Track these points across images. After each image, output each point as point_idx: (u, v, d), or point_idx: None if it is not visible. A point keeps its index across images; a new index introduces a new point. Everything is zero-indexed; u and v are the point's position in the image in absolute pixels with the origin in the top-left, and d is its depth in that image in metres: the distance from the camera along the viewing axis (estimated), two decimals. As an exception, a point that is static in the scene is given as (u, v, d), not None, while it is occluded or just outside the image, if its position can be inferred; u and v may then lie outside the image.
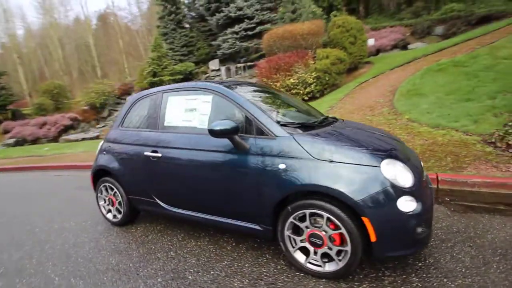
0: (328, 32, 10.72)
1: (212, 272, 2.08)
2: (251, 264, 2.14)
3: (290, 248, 1.97)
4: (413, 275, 1.83)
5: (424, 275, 1.81)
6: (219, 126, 1.96)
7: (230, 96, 2.22)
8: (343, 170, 1.74)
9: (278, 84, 9.21)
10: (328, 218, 1.77)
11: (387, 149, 1.89)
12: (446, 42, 10.04)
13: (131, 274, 2.15)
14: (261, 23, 16.45)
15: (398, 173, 1.73)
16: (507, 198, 2.79)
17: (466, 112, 5.05)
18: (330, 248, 1.82)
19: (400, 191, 1.68)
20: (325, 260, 1.87)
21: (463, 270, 1.82)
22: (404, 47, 12.89)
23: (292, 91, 9.06)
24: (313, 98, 9.10)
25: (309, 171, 1.80)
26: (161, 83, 15.38)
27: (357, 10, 18.90)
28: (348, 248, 1.74)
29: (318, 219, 1.85)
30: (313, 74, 8.81)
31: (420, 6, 15.05)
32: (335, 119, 2.53)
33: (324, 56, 9.12)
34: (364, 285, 1.78)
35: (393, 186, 1.68)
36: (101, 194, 3.12)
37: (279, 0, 16.66)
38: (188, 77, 17.08)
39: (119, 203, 2.97)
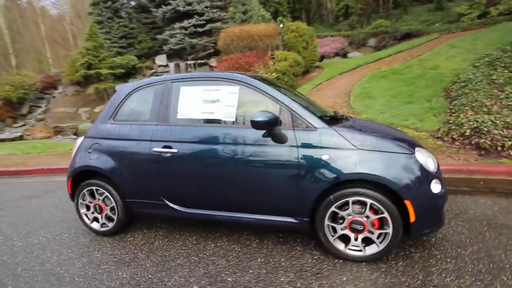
0: (282, 35, 11.19)
1: (250, 271, 1.98)
2: (287, 257, 2.12)
3: (330, 237, 2.03)
4: (433, 249, 2.10)
5: (442, 248, 2.09)
6: (262, 117, 1.89)
7: (261, 88, 2.16)
8: (384, 159, 1.88)
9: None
10: (371, 204, 1.89)
11: (410, 139, 2.12)
12: (382, 53, 11.58)
13: (157, 286, 1.89)
14: (211, 20, 16.13)
15: (427, 159, 1.96)
16: (466, 181, 3.40)
17: (412, 113, 5.95)
18: (371, 232, 1.95)
19: (431, 175, 1.91)
20: (364, 244, 1.98)
21: (468, 240, 2.17)
22: (344, 55, 14.34)
23: (252, 90, 9.16)
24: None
25: (354, 160, 1.89)
26: (98, 76, 13.68)
27: (300, 18, 20.20)
28: (390, 230, 1.89)
29: (357, 206, 1.95)
30: (273, 74, 9.07)
31: (355, 20, 16.97)
32: (346, 116, 2.69)
33: (282, 58, 9.50)
34: (400, 263, 1.96)
35: (426, 171, 1.90)
36: (84, 200, 2.63)
37: (229, 0, 16.63)
38: (131, 72, 15.61)
39: (111, 209, 2.56)
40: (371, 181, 1.87)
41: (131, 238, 2.57)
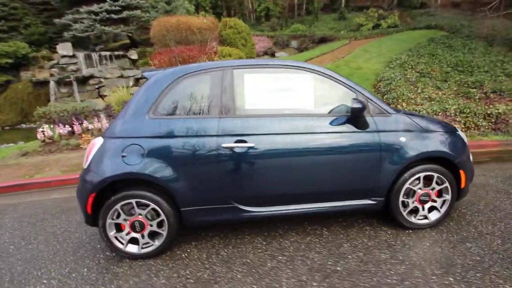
0: (220, 30, 11.01)
1: (349, 256, 2.02)
2: (368, 238, 2.24)
3: (403, 212, 2.26)
4: (463, 208, 2.63)
5: (462, 211, 2.65)
6: (360, 104, 1.95)
7: (335, 76, 2.18)
8: (444, 138, 2.24)
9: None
10: (438, 177, 2.22)
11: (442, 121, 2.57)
12: (309, 53, 12.89)
13: (275, 293, 1.70)
14: (128, 7, 14.29)
15: (463, 135, 2.43)
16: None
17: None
18: (434, 201, 2.29)
19: (468, 149, 2.40)
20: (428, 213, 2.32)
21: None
22: (273, 54, 15.28)
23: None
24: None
25: (425, 141, 2.17)
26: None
27: (222, 15, 20.22)
28: (449, 196, 2.28)
29: (426, 180, 2.24)
30: (221, 70, 8.86)
31: (275, 22, 18.21)
32: None
33: (227, 54, 9.38)
34: (451, 223, 2.38)
35: (467, 145, 2.37)
36: (116, 218, 2.04)
37: (148, -13, 15.11)
38: (22, 62, 12.22)
39: (159, 224, 2.08)
40: (436, 157, 2.20)
41: (186, 254, 2.16)
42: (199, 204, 2.08)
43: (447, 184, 2.25)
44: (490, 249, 2.01)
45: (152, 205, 2.03)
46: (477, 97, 6.38)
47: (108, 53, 13.89)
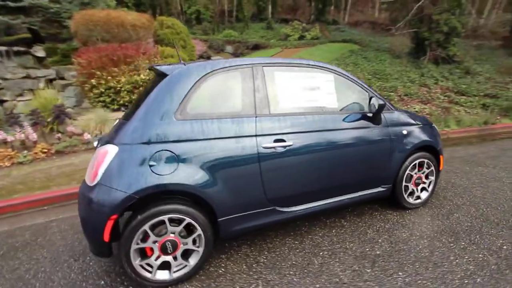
0: (156, 30, 10.22)
1: (380, 240, 2.20)
2: (383, 222, 2.48)
3: (404, 195, 2.60)
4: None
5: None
6: (382, 101, 2.17)
7: (351, 77, 2.35)
8: (429, 130, 2.68)
9: (123, 80, 7.60)
10: (427, 162, 2.64)
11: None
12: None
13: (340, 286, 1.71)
14: (29, -6, 11.77)
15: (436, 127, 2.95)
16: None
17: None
18: (424, 183, 2.70)
19: (439, 138, 2.93)
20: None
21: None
22: (208, 58, 15.04)
23: (141, 88, 7.89)
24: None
25: (418, 133, 2.56)
26: None
27: (146, 14, 18.78)
28: (433, 178, 2.73)
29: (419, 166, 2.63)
30: (164, 72, 8.22)
31: (207, 26, 18.01)
32: None
33: (169, 55, 8.78)
34: (429, 205, 2.85)
35: (439, 135, 2.88)
36: (141, 242, 1.68)
37: (56, -26, 12.84)
38: None
39: (194, 241, 1.82)
40: (426, 145, 2.61)
41: (222, 270, 1.94)
42: (237, 211, 1.92)
43: (432, 168, 2.69)
44: (471, 216, 2.51)
45: (188, 220, 1.76)
46: (396, 99, 7.77)
47: (3, 48, 11.11)
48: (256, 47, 15.84)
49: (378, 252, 2.05)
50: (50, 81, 10.63)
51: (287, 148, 1.97)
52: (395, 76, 9.52)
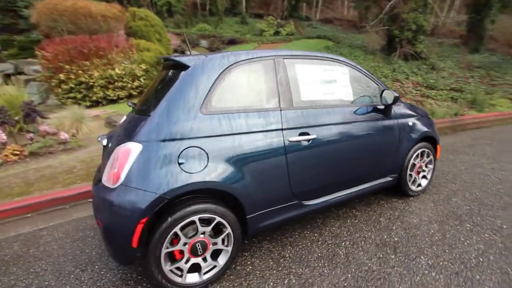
0: (128, 21, 9.61)
1: (393, 227, 2.29)
2: (392, 209, 2.59)
3: (409, 183, 2.73)
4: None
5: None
6: (397, 94, 2.24)
7: (363, 70, 2.39)
8: (428, 121, 2.84)
9: (96, 74, 7.06)
10: (427, 152, 2.79)
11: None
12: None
13: (376, 275, 1.75)
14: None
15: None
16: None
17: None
18: (424, 171, 2.86)
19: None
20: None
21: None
22: (183, 52, 14.51)
23: (116, 83, 7.41)
24: (142, 93, 8.06)
25: (421, 124, 2.69)
26: None
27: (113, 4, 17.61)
28: (432, 166, 2.90)
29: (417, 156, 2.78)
30: (142, 66, 7.79)
31: (179, 19, 17.36)
32: None
33: (145, 48, 8.33)
34: (428, 191, 3.04)
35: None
36: (171, 245, 1.57)
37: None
38: None
39: (223, 240, 1.74)
40: (427, 136, 2.76)
41: (250, 268, 1.89)
42: (265, 207, 1.87)
43: (431, 157, 2.86)
44: (467, 200, 2.71)
45: (218, 219, 1.68)
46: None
47: None
48: (232, 42, 15.60)
49: (396, 239, 2.13)
50: (7, 76, 9.57)
51: (311, 141, 1.96)
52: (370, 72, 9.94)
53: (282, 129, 1.86)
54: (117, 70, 7.33)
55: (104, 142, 2.05)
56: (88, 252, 2.17)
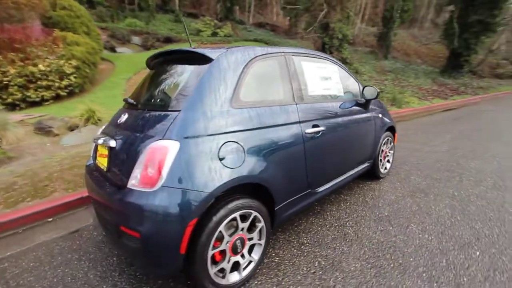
0: (46, 10, 8.14)
1: (382, 209, 2.64)
2: (373, 190, 2.96)
3: (380, 167, 3.17)
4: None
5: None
6: (378, 90, 2.58)
7: (346, 68, 2.68)
8: (387, 112, 3.34)
9: (12, 71, 5.79)
10: (390, 139, 3.30)
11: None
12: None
13: (394, 249, 2.01)
14: None
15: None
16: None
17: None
18: (388, 156, 3.37)
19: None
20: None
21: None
22: (112, 49, 13.11)
23: (39, 82, 6.23)
24: (72, 93, 6.94)
25: (386, 116, 3.17)
26: None
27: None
28: (393, 151, 3.43)
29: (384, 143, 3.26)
30: (72, 62, 6.73)
31: (104, 12, 15.55)
32: None
33: (73, 42, 7.23)
34: (390, 173, 3.58)
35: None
36: (214, 248, 1.50)
37: None
38: None
39: (259, 233, 1.74)
40: (390, 126, 3.26)
41: (278, 258, 1.92)
42: (288, 197, 1.93)
43: (393, 143, 3.39)
44: (421, 176, 3.31)
45: (254, 213, 1.67)
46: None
47: None
48: (168, 40, 14.81)
49: (386, 214, 2.48)
50: None
51: (321, 132, 2.12)
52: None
53: (299, 122, 1.96)
54: (40, 67, 6.15)
55: (100, 142, 1.78)
56: (82, 277, 1.84)
